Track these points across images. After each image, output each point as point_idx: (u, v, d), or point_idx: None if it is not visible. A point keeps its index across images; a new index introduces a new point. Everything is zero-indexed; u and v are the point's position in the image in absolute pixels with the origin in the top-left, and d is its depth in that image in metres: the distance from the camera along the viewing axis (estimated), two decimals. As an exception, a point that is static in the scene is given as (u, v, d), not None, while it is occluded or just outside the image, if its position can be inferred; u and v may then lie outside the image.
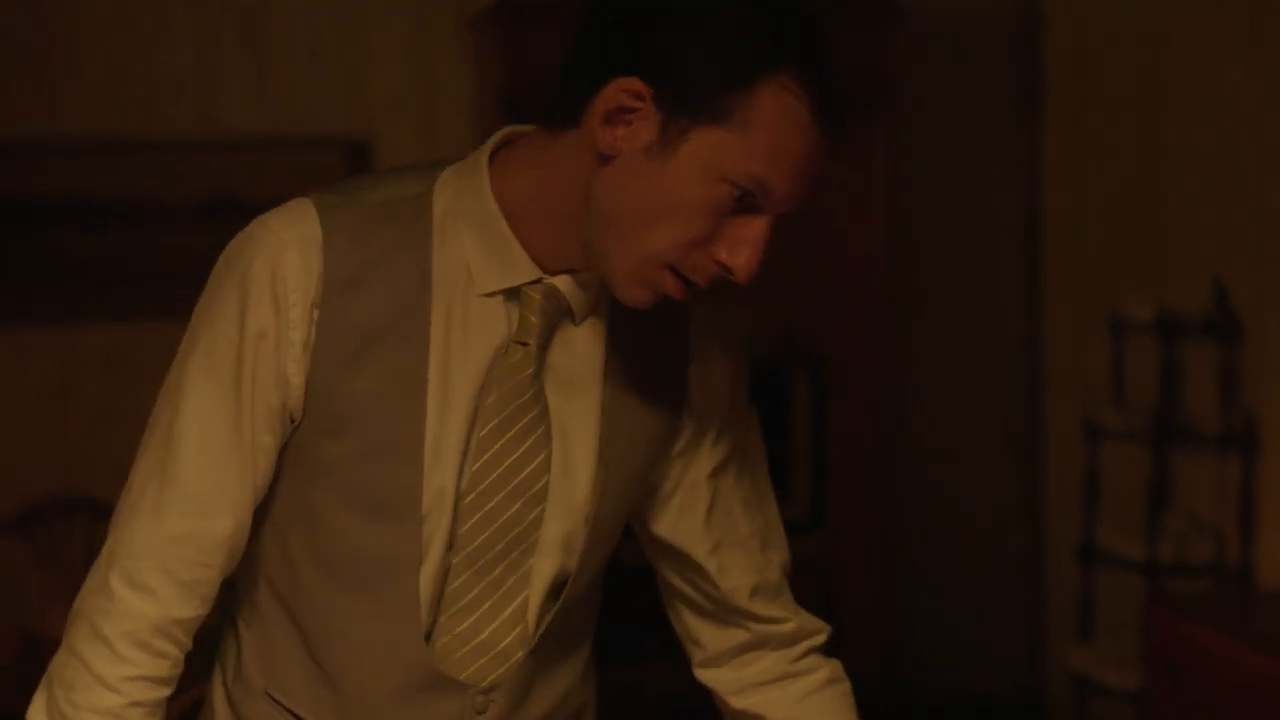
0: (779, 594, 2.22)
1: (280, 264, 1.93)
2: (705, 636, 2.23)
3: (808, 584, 5.52)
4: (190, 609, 1.98)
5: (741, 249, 1.89)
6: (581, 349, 2.02)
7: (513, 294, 1.97)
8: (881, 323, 5.23)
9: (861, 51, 5.11)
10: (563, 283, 1.98)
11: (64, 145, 5.73)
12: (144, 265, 5.57)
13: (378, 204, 1.97)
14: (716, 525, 2.16)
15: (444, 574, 1.98)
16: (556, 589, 2.03)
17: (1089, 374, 5.59)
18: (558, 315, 1.98)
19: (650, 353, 2.06)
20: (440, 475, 1.96)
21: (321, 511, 1.99)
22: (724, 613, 2.21)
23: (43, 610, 5.15)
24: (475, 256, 1.97)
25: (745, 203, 1.87)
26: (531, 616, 2.01)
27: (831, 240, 5.19)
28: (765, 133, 1.85)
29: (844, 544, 5.25)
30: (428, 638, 1.99)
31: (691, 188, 1.86)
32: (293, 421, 1.98)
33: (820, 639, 2.25)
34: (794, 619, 2.22)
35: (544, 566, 2.02)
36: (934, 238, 5.87)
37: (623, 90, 1.86)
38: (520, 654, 2.01)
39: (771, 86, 1.83)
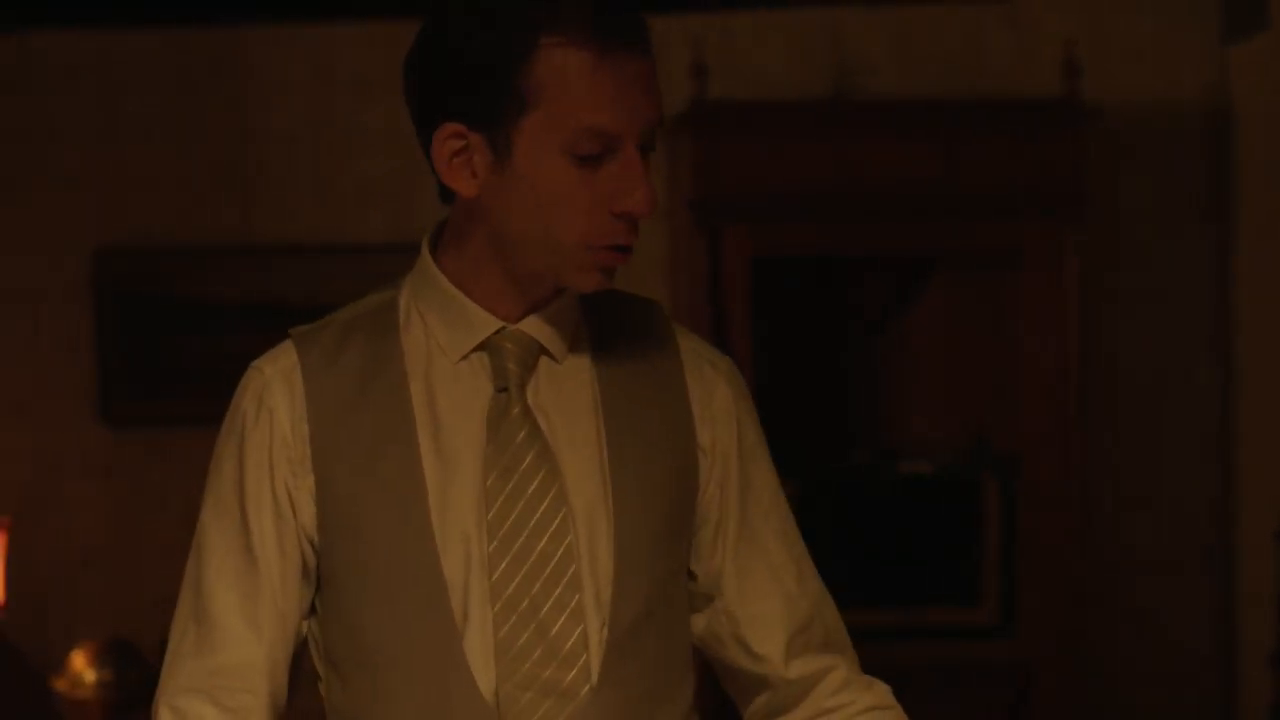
0: (824, 647, 2.21)
1: (267, 396, 2.09)
2: None
3: (997, 688, 5.49)
4: None
5: (627, 193, 1.98)
6: (571, 385, 2.10)
7: (485, 350, 2.07)
8: (1071, 428, 5.18)
9: (1050, 155, 5.10)
10: (528, 324, 2.08)
11: (257, 249, 5.83)
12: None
13: (348, 320, 2.13)
14: (747, 556, 2.19)
15: (492, 627, 2.02)
16: (614, 619, 2.04)
17: (1283, 481, 5.51)
18: (532, 356, 2.08)
19: (644, 385, 2.12)
20: (459, 532, 2.02)
21: (355, 614, 2.06)
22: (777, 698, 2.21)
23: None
24: (440, 330, 2.08)
25: (600, 155, 1.96)
26: (594, 651, 2.03)
27: (1021, 345, 5.17)
28: (561, 91, 1.94)
29: (1034, 649, 5.19)
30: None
31: (545, 175, 1.96)
32: (311, 543, 2.08)
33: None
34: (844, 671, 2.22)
35: (591, 599, 2.04)
36: (1123, 340, 5.82)
37: (446, 137, 2.00)
38: (584, 690, 2.02)
39: (540, 54, 1.94)
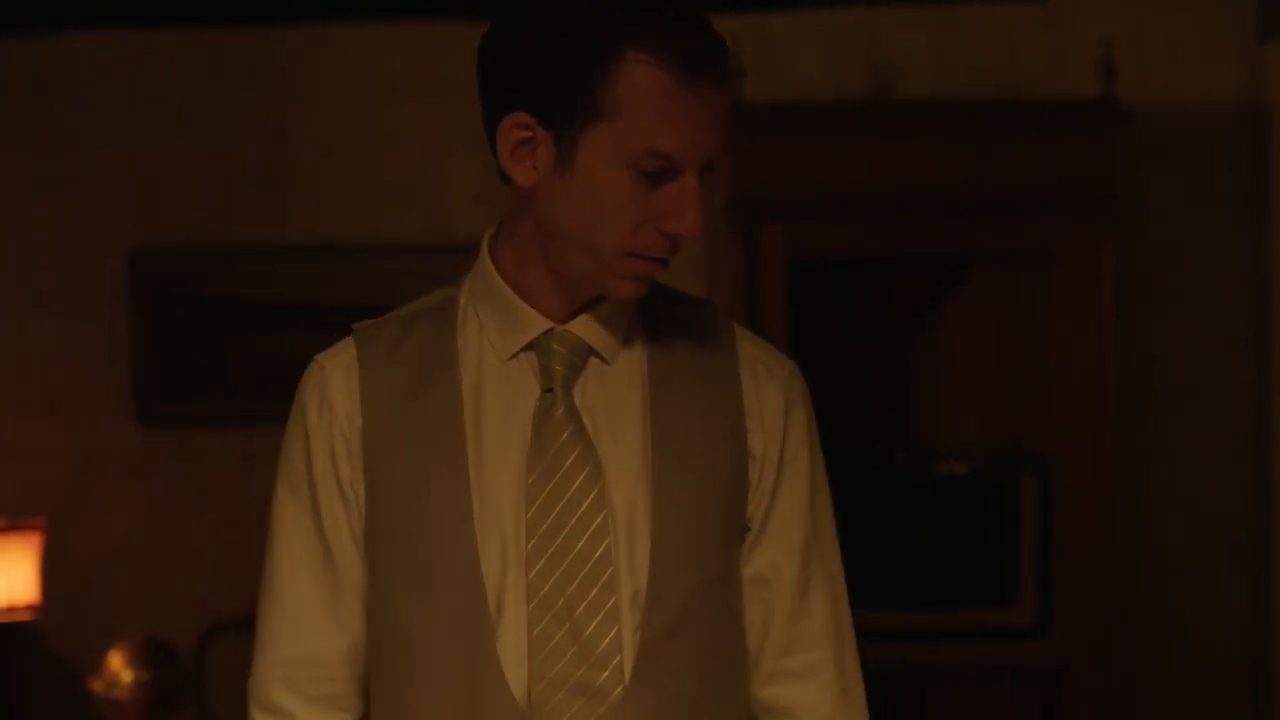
0: (797, 678, 2.19)
1: (326, 390, 2.14)
2: None
3: (1032, 689, 5.49)
4: None
5: (678, 215, 2.01)
6: (620, 386, 2.11)
7: (534, 350, 2.09)
8: (1109, 431, 5.17)
9: (1086, 155, 5.08)
10: (577, 325, 2.10)
11: (292, 249, 5.84)
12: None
13: (409, 315, 2.17)
14: (756, 561, 2.18)
15: (527, 624, 2.03)
16: (648, 621, 2.05)
17: (1321, 483, 5.49)
18: (580, 357, 2.10)
19: (696, 388, 2.13)
20: (498, 530, 2.04)
21: (394, 606, 2.09)
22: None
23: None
24: (491, 328, 2.11)
25: (659, 174, 1.98)
26: (628, 653, 2.04)
27: (1057, 346, 5.15)
28: (636, 109, 1.96)
29: (1069, 650, 5.18)
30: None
31: (602, 183, 1.98)
32: (364, 535, 2.12)
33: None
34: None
35: (626, 600, 2.05)
36: (1158, 341, 5.80)
37: (513, 126, 2.02)
38: (617, 691, 2.03)
39: (624, 67, 1.95)
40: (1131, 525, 5.60)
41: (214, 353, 5.83)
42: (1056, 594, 5.18)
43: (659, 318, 2.17)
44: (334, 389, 2.14)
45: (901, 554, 5.20)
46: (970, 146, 5.09)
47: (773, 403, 2.17)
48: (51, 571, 5.57)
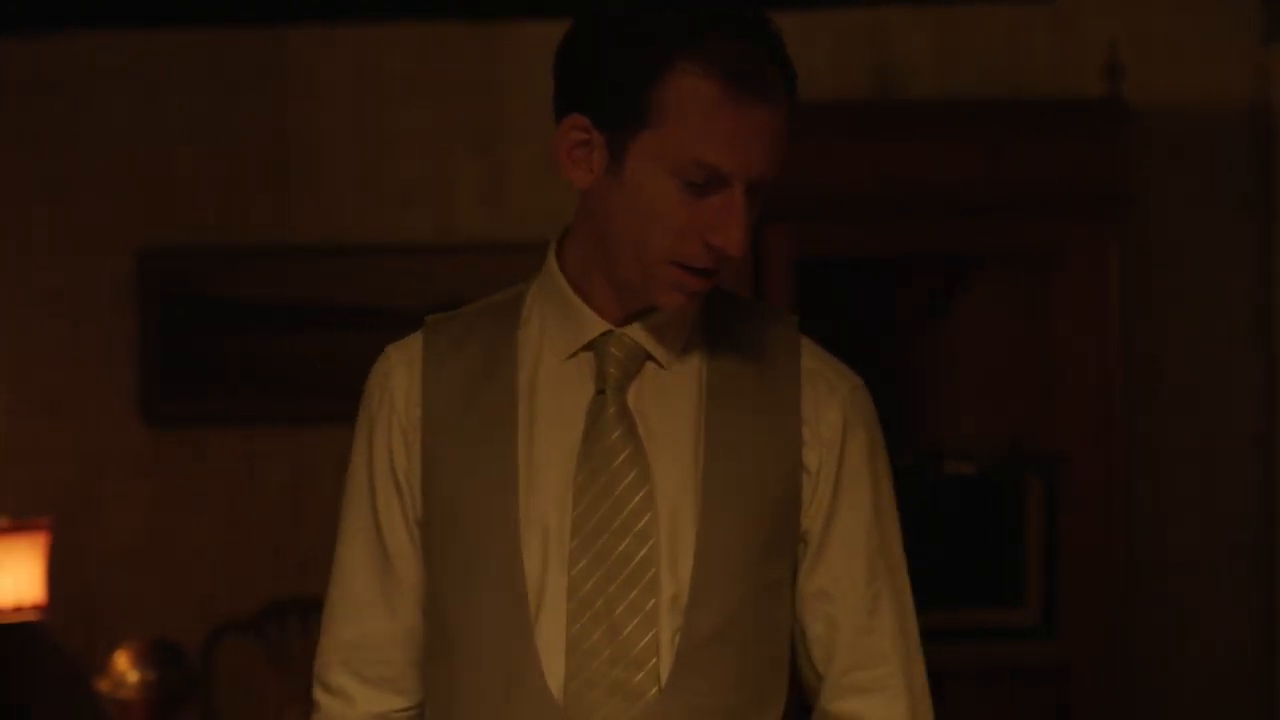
0: (867, 691, 2.21)
1: (389, 382, 2.17)
2: None
3: (1039, 689, 5.48)
4: (386, 703, 2.19)
5: (721, 229, 2.01)
6: (674, 391, 2.13)
7: (592, 350, 2.12)
8: (1114, 431, 5.17)
9: (1092, 155, 5.08)
10: (634, 330, 2.12)
11: (298, 249, 5.85)
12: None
13: (479, 310, 2.21)
14: (820, 577, 2.19)
15: (566, 621, 2.05)
16: (688, 625, 2.06)
17: (1328, 483, 5.49)
18: (635, 361, 2.12)
19: (753, 398, 2.14)
20: (542, 526, 2.07)
21: (440, 597, 2.13)
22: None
23: (279, 711, 5.22)
24: (553, 328, 2.14)
25: (705, 185, 1.99)
26: (665, 656, 2.06)
27: (1063, 345, 5.15)
28: (683, 119, 1.98)
29: (1076, 650, 5.18)
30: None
31: (648, 190, 2.00)
32: (418, 523, 2.16)
33: None
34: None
35: (666, 603, 2.06)
36: (1165, 341, 5.80)
37: (572, 128, 2.05)
38: (653, 691, 2.04)
39: (673, 75, 1.97)
40: (1137, 525, 5.60)
41: (219, 353, 5.84)
42: (1062, 594, 5.18)
43: (724, 327, 2.18)
44: (396, 380, 2.18)
45: (908, 554, 5.19)
46: (976, 146, 5.09)
47: (831, 417, 2.18)
48: (57, 572, 5.58)
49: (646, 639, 2.05)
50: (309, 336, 5.77)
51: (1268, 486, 5.84)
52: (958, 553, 5.21)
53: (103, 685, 5.28)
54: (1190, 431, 5.85)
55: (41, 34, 5.84)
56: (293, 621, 5.49)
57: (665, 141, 1.99)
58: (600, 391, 2.10)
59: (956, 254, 5.43)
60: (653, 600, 2.05)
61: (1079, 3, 5.79)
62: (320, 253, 5.84)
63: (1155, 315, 5.75)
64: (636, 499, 2.07)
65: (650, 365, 2.13)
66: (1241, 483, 5.84)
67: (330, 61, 5.88)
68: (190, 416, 5.87)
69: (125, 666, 5.28)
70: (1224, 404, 5.85)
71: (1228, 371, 5.85)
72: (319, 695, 2.22)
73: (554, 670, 2.05)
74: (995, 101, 5.55)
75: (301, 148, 5.88)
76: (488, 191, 5.70)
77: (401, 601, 2.18)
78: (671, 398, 2.12)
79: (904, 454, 5.36)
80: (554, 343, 2.13)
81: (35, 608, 5.46)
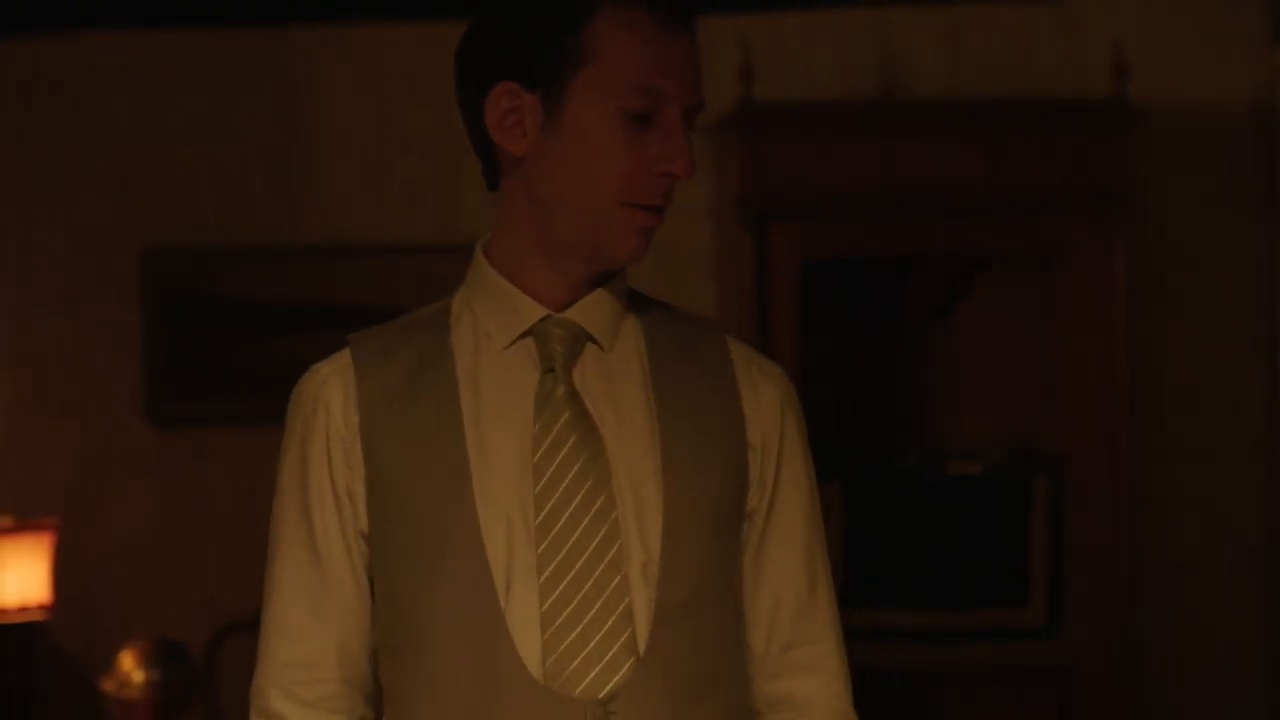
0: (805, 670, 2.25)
1: (322, 394, 2.18)
2: None
3: (1044, 689, 5.48)
4: None
5: (668, 156, 2.07)
6: (619, 371, 2.17)
7: (532, 337, 2.15)
8: (1119, 429, 5.17)
9: (1098, 156, 5.08)
10: (573, 312, 2.15)
11: (303, 249, 5.85)
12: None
13: (404, 323, 2.23)
14: (764, 553, 2.23)
15: (537, 599, 2.07)
16: (662, 592, 2.09)
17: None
18: (577, 341, 2.15)
19: (695, 378, 2.19)
20: (502, 508, 2.09)
21: (404, 595, 2.13)
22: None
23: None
24: (488, 320, 2.16)
25: (648, 115, 2.06)
26: (640, 625, 2.09)
27: (1068, 346, 5.15)
28: (620, 49, 2.05)
29: (1081, 650, 5.18)
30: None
31: (595, 130, 2.06)
32: (363, 533, 2.16)
33: None
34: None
35: (638, 573, 2.10)
36: (1170, 341, 5.80)
37: (499, 96, 2.09)
38: (630, 661, 2.07)
39: (602, 13, 2.05)
40: (1143, 525, 5.60)
41: (224, 353, 5.84)
42: (1068, 594, 5.18)
43: (653, 320, 2.23)
44: (329, 391, 2.19)
45: (913, 554, 5.20)
46: (980, 147, 5.10)
47: (769, 396, 2.23)
48: (63, 571, 5.58)
49: (620, 608, 2.07)
50: (312, 336, 5.76)
51: (1272, 487, 5.84)
52: (964, 553, 5.22)
53: (107, 685, 5.28)
54: (1194, 431, 5.84)
55: (43, 34, 5.84)
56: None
57: (604, 73, 2.05)
58: (549, 370, 2.13)
59: (962, 254, 5.44)
60: (622, 570, 2.08)
61: (1084, 3, 5.79)
62: (323, 252, 5.84)
63: (1160, 316, 5.74)
64: (594, 475, 2.09)
65: (591, 347, 2.16)
66: (1246, 483, 5.84)
67: (333, 61, 5.89)
68: (194, 416, 5.87)
69: (130, 666, 5.28)
70: (1228, 404, 5.85)
71: (1232, 372, 5.85)
72: None
73: (530, 648, 2.06)
74: (999, 101, 5.55)
75: (304, 147, 5.88)
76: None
77: (339, 619, 2.17)
78: (616, 375, 2.16)
79: (908, 454, 5.36)
80: (491, 334, 2.16)
81: (40, 607, 5.47)
